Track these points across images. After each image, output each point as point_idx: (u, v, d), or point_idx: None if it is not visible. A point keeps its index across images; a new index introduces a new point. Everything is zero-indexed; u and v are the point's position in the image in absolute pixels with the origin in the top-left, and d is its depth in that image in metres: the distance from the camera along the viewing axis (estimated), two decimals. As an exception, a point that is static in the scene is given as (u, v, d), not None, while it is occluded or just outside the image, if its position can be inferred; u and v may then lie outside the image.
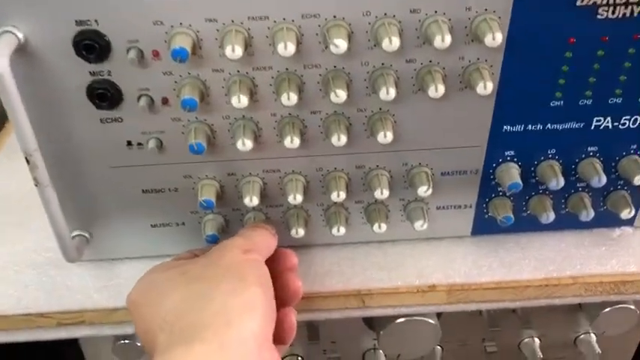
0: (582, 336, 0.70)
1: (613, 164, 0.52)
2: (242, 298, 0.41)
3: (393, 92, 0.43)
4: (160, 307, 0.41)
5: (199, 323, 0.39)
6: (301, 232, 0.53)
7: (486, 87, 0.43)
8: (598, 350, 0.68)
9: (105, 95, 0.44)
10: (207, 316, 0.39)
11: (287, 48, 0.41)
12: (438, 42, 0.41)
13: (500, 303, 0.55)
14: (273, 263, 0.49)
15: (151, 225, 0.54)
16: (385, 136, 0.46)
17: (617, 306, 0.61)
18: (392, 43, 0.41)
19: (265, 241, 0.49)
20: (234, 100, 0.44)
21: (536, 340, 0.70)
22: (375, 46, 0.43)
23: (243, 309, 0.40)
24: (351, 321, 0.60)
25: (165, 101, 0.46)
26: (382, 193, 0.49)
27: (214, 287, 0.41)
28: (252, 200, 0.50)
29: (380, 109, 0.47)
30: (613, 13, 0.43)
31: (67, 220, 0.48)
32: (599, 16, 0.43)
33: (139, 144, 0.48)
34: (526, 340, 0.70)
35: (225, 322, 0.39)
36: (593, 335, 0.69)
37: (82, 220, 0.52)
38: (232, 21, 0.42)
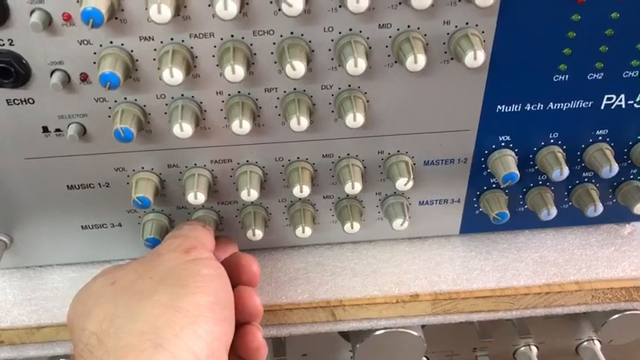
0: (585, 343, 0.66)
1: (625, 150, 0.48)
2: (179, 310, 0.35)
3: (363, 64, 0.38)
4: (84, 329, 0.36)
5: (122, 348, 0.33)
6: (259, 233, 0.47)
7: (477, 57, 0.38)
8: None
9: (8, 70, 0.38)
10: (131, 339, 0.34)
11: (227, 8, 0.35)
12: (416, 1, 0.36)
13: (493, 313, 0.51)
14: (228, 271, 0.43)
15: (82, 226, 0.48)
16: (355, 119, 0.41)
17: (627, 312, 0.56)
18: (359, 1, 0.35)
19: (205, 236, 0.43)
20: (165, 75, 0.37)
21: (534, 348, 0.66)
22: (340, 6, 0.38)
23: (181, 325, 0.34)
24: (323, 332, 0.54)
25: (84, 77, 0.40)
26: (354, 187, 0.45)
27: (144, 300, 0.36)
28: (197, 197, 0.44)
29: (349, 85, 0.42)
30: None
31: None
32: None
33: (58, 130, 0.42)
34: (522, 348, 0.66)
35: (153, 344, 0.33)
36: (597, 343, 0.65)
37: (-2, 222, 0.47)
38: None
